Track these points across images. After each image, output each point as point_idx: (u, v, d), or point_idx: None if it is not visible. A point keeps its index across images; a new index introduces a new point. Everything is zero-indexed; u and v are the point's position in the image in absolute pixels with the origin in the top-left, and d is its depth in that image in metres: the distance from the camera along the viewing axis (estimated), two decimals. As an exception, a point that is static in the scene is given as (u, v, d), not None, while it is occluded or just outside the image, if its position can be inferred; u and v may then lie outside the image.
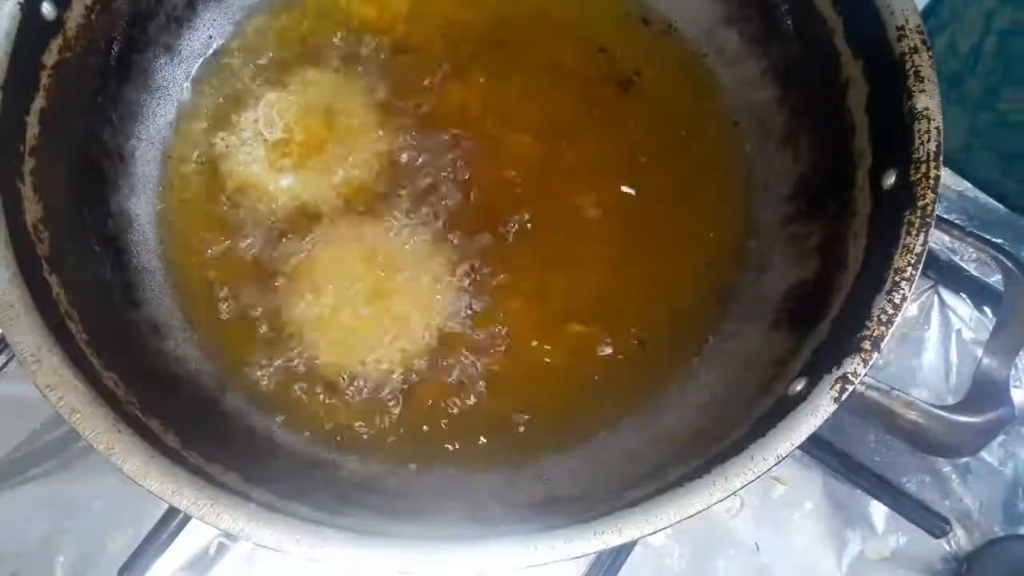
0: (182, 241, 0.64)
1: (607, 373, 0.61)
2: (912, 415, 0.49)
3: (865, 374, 0.45)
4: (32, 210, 0.51)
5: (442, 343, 0.61)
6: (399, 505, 0.54)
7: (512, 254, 0.63)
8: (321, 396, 0.59)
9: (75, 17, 0.57)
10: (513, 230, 0.64)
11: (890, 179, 0.51)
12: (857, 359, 0.45)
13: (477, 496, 0.56)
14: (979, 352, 0.53)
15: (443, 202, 0.64)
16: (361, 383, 0.60)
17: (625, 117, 0.68)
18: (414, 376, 0.60)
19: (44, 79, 0.54)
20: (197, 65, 0.69)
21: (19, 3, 0.52)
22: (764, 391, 0.51)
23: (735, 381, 0.56)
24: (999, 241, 0.63)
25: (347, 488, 0.55)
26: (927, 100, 0.50)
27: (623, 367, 0.62)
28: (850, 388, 0.45)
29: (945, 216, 0.74)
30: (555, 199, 0.65)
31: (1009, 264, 0.54)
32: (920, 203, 0.48)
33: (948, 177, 0.76)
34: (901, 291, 0.46)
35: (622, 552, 0.63)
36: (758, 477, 0.43)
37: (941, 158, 0.49)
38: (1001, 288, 0.55)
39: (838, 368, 0.45)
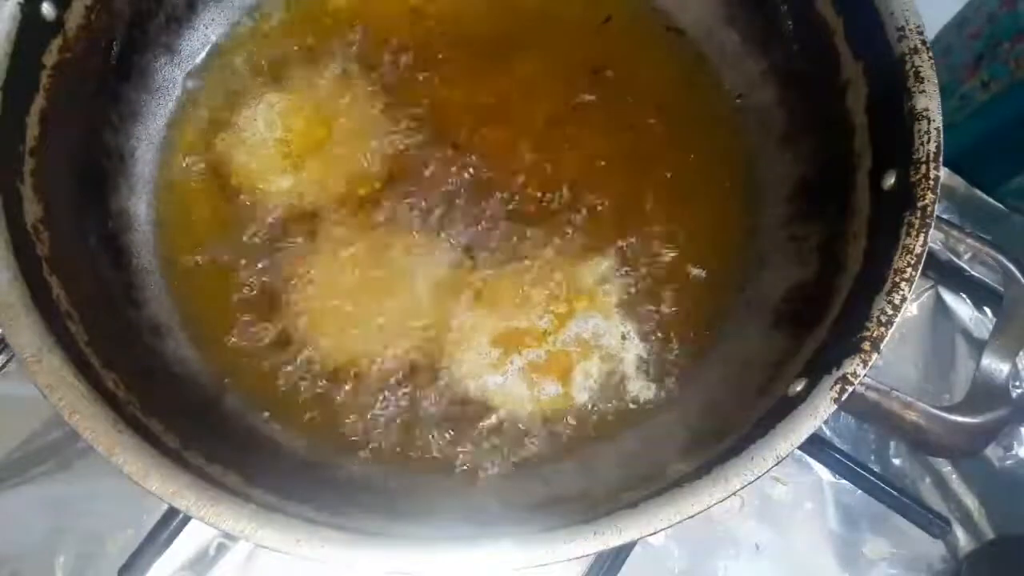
0: (182, 241, 0.64)
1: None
2: (912, 416, 0.49)
3: (865, 375, 0.45)
4: (32, 210, 0.51)
5: (445, 342, 0.61)
6: (399, 505, 0.54)
7: (511, 252, 0.63)
8: (322, 397, 0.59)
9: (75, 17, 0.57)
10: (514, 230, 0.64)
11: (890, 180, 0.51)
12: (857, 360, 0.45)
13: (476, 496, 0.56)
14: (979, 352, 0.53)
15: (444, 201, 0.64)
16: (362, 383, 0.60)
17: (624, 118, 0.68)
18: (416, 377, 0.60)
19: (44, 79, 0.55)
20: (197, 65, 0.69)
21: (19, 3, 0.52)
22: (764, 392, 0.51)
23: (735, 381, 0.56)
24: (999, 241, 0.63)
25: (347, 488, 0.55)
26: (927, 101, 0.50)
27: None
28: (850, 389, 0.45)
29: (945, 216, 0.74)
30: (555, 199, 0.65)
31: (1009, 264, 0.54)
32: (920, 204, 0.48)
33: (948, 177, 0.76)
34: (901, 291, 0.46)
35: (622, 552, 0.62)
36: (758, 478, 0.43)
37: (941, 159, 0.49)
38: (1001, 288, 0.55)
39: (838, 369, 0.45)
